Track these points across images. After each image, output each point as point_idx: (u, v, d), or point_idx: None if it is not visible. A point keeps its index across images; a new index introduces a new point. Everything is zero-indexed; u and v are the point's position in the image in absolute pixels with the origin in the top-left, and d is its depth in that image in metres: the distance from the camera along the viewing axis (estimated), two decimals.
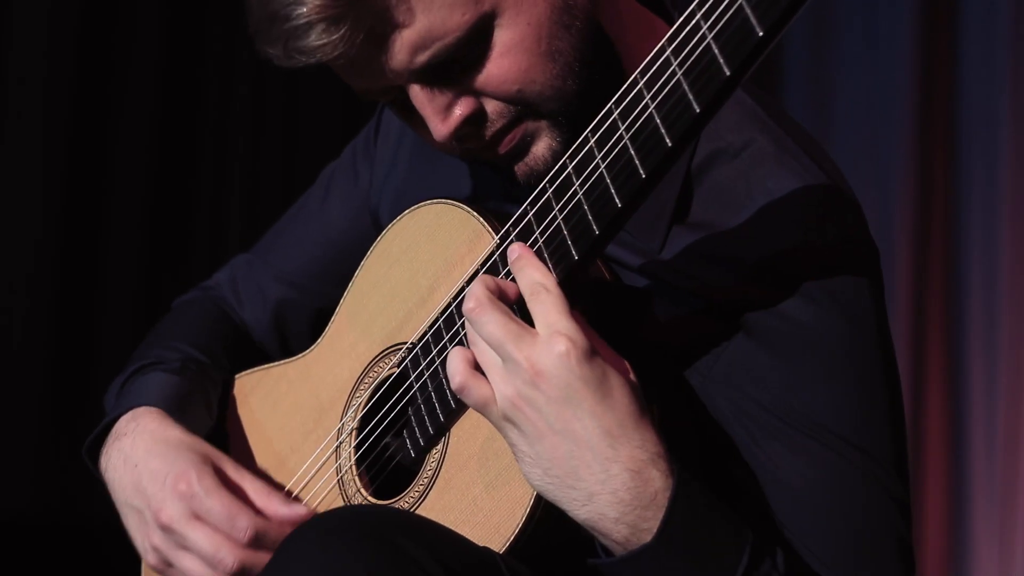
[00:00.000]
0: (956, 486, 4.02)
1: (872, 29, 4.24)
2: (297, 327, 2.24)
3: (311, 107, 4.42)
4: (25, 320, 4.01)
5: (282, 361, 2.09)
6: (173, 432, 1.98)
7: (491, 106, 1.75)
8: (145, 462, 1.95)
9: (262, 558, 1.82)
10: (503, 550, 1.63)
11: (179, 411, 2.04)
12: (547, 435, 1.56)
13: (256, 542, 1.83)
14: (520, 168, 1.79)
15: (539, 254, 1.64)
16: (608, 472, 1.55)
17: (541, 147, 1.78)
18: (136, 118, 4.18)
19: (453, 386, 1.62)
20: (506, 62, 1.72)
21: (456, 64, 1.72)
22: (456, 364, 1.61)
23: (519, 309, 1.61)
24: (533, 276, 1.61)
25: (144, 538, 1.93)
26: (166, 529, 1.87)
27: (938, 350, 4.10)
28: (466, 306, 1.60)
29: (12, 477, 3.96)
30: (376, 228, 2.06)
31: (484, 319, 1.58)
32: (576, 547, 1.65)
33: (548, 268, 1.63)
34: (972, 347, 4.07)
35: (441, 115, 1.75)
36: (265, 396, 2.08)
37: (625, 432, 1.55)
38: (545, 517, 1.62)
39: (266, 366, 2.12)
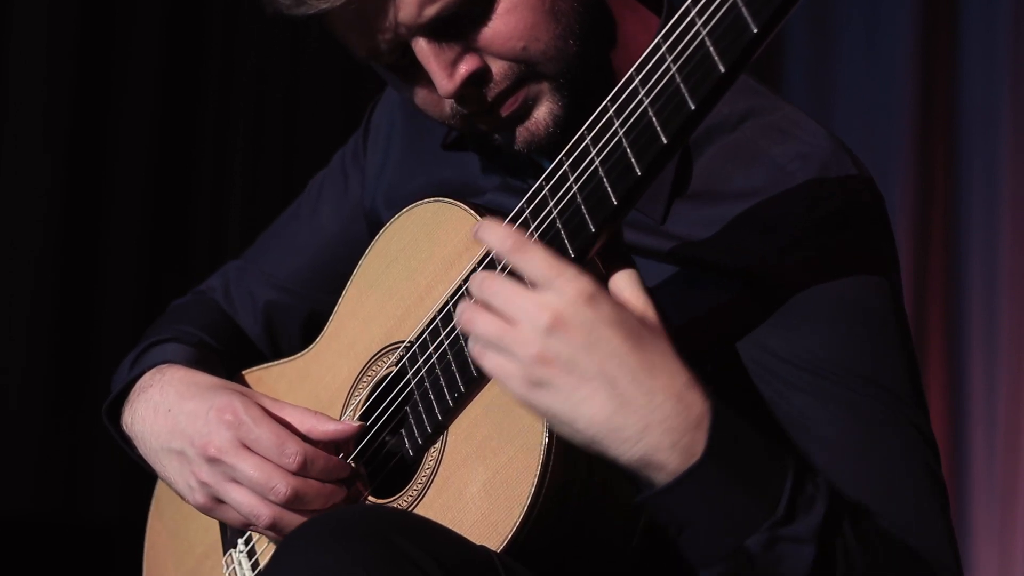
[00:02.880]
0: (956, 486, 4.02)
1: (872, 28, 4.25)
2: (287, 331, 2.25)
3: (311, 108, 4.43)
4: (26, 322, 4.02)
5: (281, 360, 2.09)
6: (202, 376, 1.99)
7: (496, 66, 1.77)
8: (179, 405, 1.94)
9: (312, 486, 1.81)
10: (500, 549, 1.62)
11: (203, 368, 2.04)
12: (581, 385, 1.53)
13: (305, 468, 1.81)
14: (521, 132, 1.81)
15: None
16: (653, 402, 1.52)
17: (543, 111, 1.80)
18: (136, 118, 4.19)
19: (473, 355, 1.59)
20: (512, 19, 1.74)
21: (462, 20, 1.74)
22: (472, 348, 1.60)
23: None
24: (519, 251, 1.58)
25: (189, 477, 1.91)
26: (214, 461, 1.85)
27: (938, 350, 4.10)
28: (473, 282, 1.59)
29: (14, 477, 3.96)
30: (371, 229, 2.06)
31: (495, 287, 1.57)
32: (574, 546, 1.65)
33: None
34: (972, 347, 4.07)
35: (447, 70, 1.76)
36: (265, 395, 2.07)
37: (655, 363, 1.54)
38: (542, 516, 1.62)
39: (265, 365, 2.12)
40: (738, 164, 1.78)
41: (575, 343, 1.53)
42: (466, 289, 1.74)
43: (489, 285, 1.58)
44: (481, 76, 1.77)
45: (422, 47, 1.76)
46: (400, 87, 1.88)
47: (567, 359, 1.53)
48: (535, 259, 1.55)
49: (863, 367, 1.72)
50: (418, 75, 1.81)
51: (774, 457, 1.58)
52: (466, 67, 1.76)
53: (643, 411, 1.53)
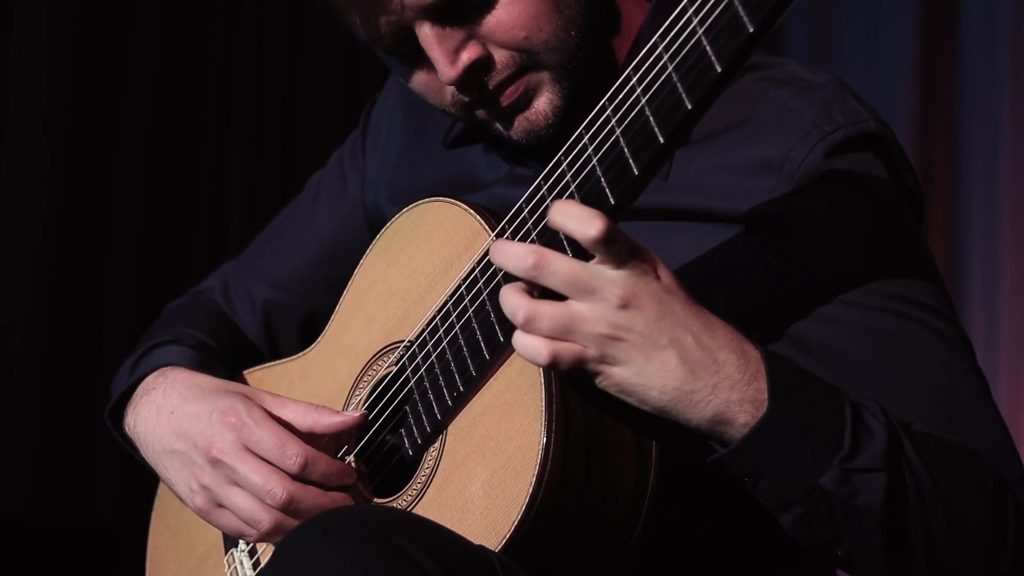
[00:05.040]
0: None
1: (872, 28, 4.25)
2: (285, 330, 2.25)
3: (311, 108, 4.43)
4: (26, 321, 4.03)
5: (283, 359, 2.09)
6: (205, 379, 1.99)
7: (498, 55, 1.79)
8: (182, 407, 1.94)
9: (310, 492, 1.81)
10: (499, 548, 1.62)
11: (204, 370, 2.04)
12: (654, 354, 1.56)
13: (306, 469, 1.81)
14: (520, 122, 1.82)
15: None
16: (718, 361, 1.56)
17: (542, 101, 1.81)
18: (136, 118, 4.19)
19: (542, 362, 1.57)
20: (515, 8, 1.76)
21: (466, 6, 1.76)
22: (535, 343, 1.57)
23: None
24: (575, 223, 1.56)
25: (191, 479, 1.91)
26: (216, 463, 1.85)
27: None
28: (525, 263, 1.57)
29: (12, 477, 3.96)
30: (373, 227, 2.06)
31: (553, 268, 1.56)
32: (572, 546, 1.66)
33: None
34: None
35: (450, 57, 1.77)
36: (268, 392, 2.07)
37: (712, 321, 1.58)
38: (540, 516, 1.62)
39: (267, 364, 2.12)
40: (739, 108, 1.79)
41: (647, 316, 1.55)
42: (451, 306, 1.74)
43: (545, 263, 1.56)
44: (483, 64, 1.79)
45: (426, 32, 1.77)
46: (402, 73, 1.89)
47: (640, 332, 1.55)
48: (609, 240, 1.54)
49: (891, 286, 1.73)
50: (420, 61, 1.82)
51: (829, 392, 1.62)
52: (468, 54, 1.78)
53: (710, 371, 1.56)
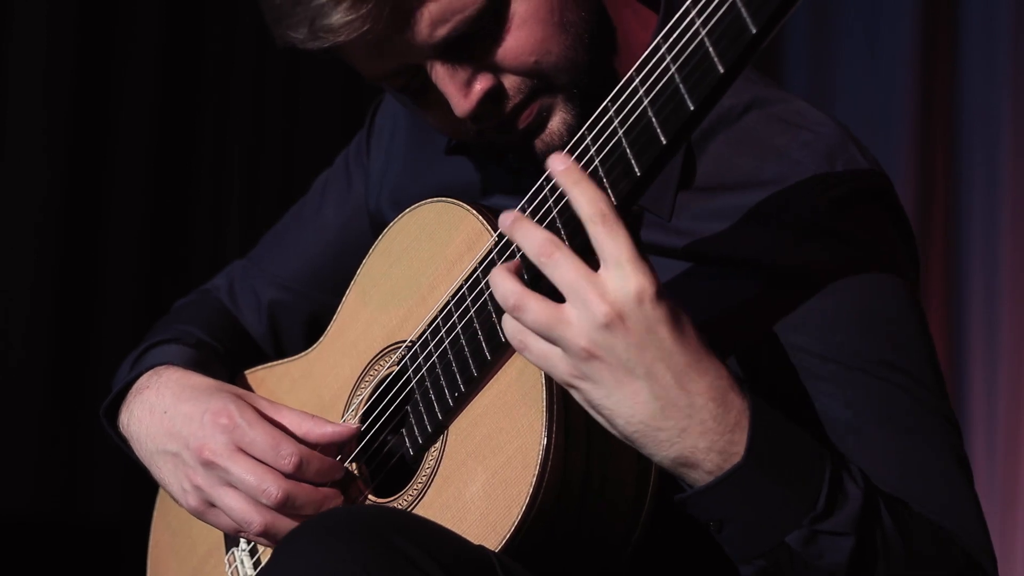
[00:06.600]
0: None
1: (873, 29, 4.25)
2: (291, 331, 2.25)
3: (311, 108, 4.43)
4: (27, 320, 4.03)
5: (284, 360, 2.10)
6: (199, 379, 2.00)
7: (509, 81, 1.78)
8: (175, 407, 1.95)
9: (305, 490, 1.82)
10: (499, 548, 1.63)
11: (201, 369, 2.05)
12: (626, 382, 1.53)
13: (301, 470, 1.82)
14: (538, 144, 1.82)
15: None
16: (694, 405, 1.53)
17: (556, 122, 1.80)
18: (136, 119, 4.19)
19: (514, 345, 1.58)
20: (523, 34, 1.75)
21: (474, 39, 1.74)
22: (516, 329, 1.57)
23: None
24: (593, 202, 1.54)
25: (183, 480, 1.91)
26: (209, 465, 1.86)
27: (938, 350, 4.09)
28: (539, 248, 1.55)
29: (12, 477, 3.96)
30: (376, 230, 2.06)
31: (560, 260, 1.54)
32: (572, 546, 1.66)
33: None
34: (972, 347, 4.07)
35: (462, 91, 1.76)
36: (268, 394, 2.07)
37: (701, 363, 1.54)
38: (541, 516, 1.62)
39: (269, 364, 2.12)
40: (743, 155, 1.79)
41: (629, 341, 1.52)
42: (453, 306, 1.74)
43: (558, 257, 1.54)
44: (496, 93, 1.77)
45: (436, 69, 1.77)
46: (412, 107, 1.88)
47: (617, 355, 1.53)
48: (618, 237, 1.52)
49: (883, 353, 1.73)
50: (430, 95, 1.81)
51: (812, 450, 1.60)
52: (481, 85, 1.76)
53: (683, 413, 1.54)
